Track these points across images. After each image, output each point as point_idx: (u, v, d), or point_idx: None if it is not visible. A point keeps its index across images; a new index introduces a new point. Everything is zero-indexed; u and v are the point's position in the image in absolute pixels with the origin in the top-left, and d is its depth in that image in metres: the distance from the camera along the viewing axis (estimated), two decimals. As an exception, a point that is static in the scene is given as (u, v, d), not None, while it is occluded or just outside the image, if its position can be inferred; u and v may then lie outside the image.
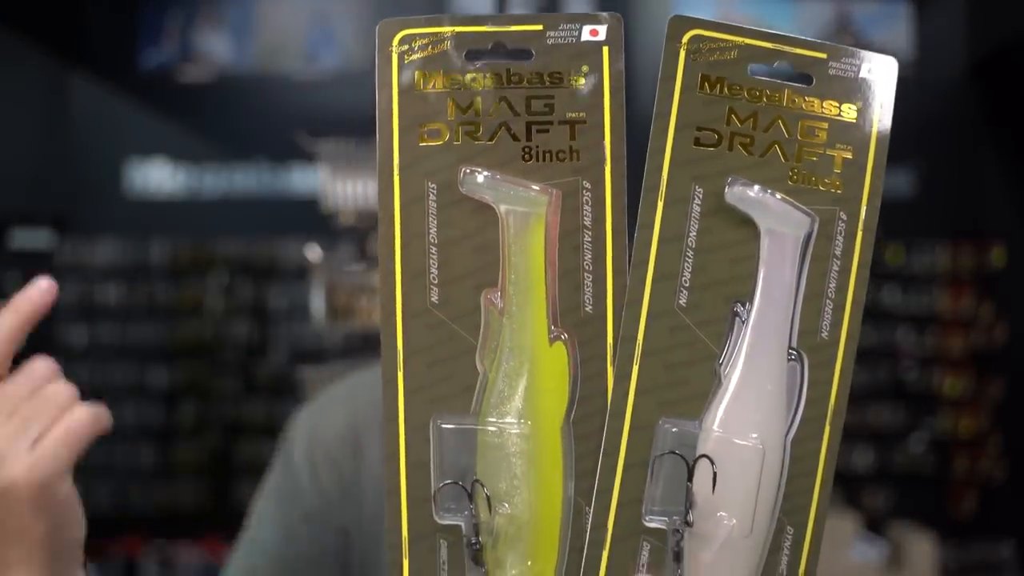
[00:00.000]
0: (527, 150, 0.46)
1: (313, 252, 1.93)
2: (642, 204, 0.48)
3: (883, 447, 5.16)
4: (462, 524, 0.45)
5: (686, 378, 0.45)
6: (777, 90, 0.48)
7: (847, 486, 5.14)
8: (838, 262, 0.47)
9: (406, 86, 0.45)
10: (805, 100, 0.48)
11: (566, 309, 0.45)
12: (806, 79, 0.48)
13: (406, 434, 0.45)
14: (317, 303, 1.86)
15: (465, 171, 0.45)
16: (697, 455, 0.45)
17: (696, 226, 0.47)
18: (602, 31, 0.46)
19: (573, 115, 0.46)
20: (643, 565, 0.45)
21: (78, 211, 5.47)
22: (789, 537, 0.46)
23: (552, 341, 0.44)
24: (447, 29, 0.45)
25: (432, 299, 0.45)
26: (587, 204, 0.47)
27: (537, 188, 0.46)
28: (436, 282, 0.45)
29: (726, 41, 0.47)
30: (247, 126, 5.49)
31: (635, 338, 0.45)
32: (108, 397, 4.46)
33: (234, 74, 5.58)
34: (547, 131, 0.46)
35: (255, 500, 1.04)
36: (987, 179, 5.36)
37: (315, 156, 1.85)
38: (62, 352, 5.29)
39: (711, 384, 0.46)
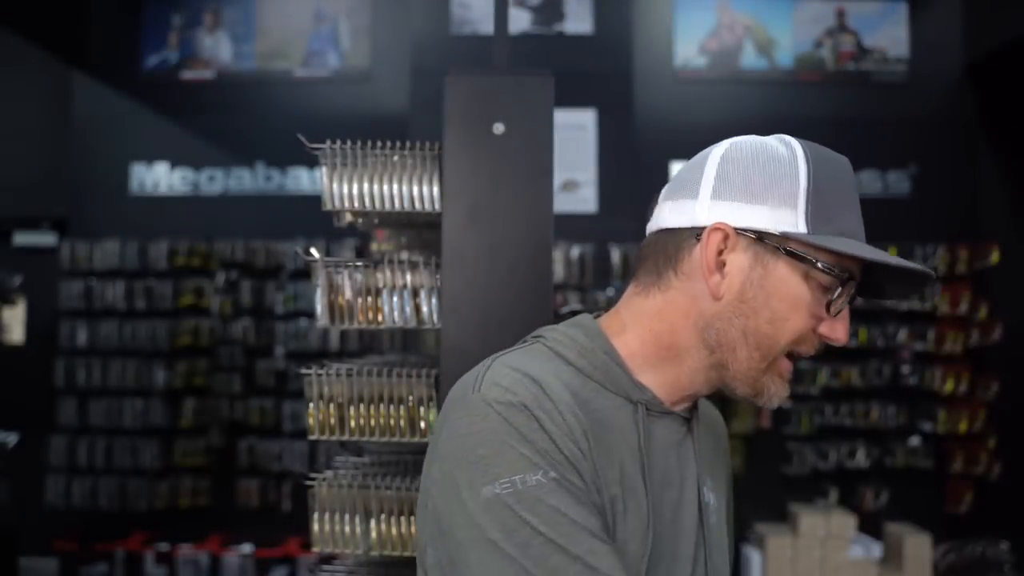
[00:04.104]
0: None
1: (313, 252, 1.94)
2: None
3: (881, 446, 5.18)
4: None
5: None
6: None
7: (845, 485, 5.16)
8: None
9: None
10: None
11: None
12: None
13: None
14: (317, 303, 1.88)
15: None
16: None
17: None
18: None
19: None
20: None
21: (80, 212, 5.49)
22: None
23: None
24: None
25: None
26: None
27: None
28: None
29: None
30: (248, 126, 5.52)
31: None
32: (109, 397, 4.50)
33: (235, 75, 5.61)
34: None
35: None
36: (983, 181, 5.38)
37: (315, 156, 1.87)
38: (63, 352, 5.32)
39: None
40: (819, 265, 0.87)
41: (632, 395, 0.92)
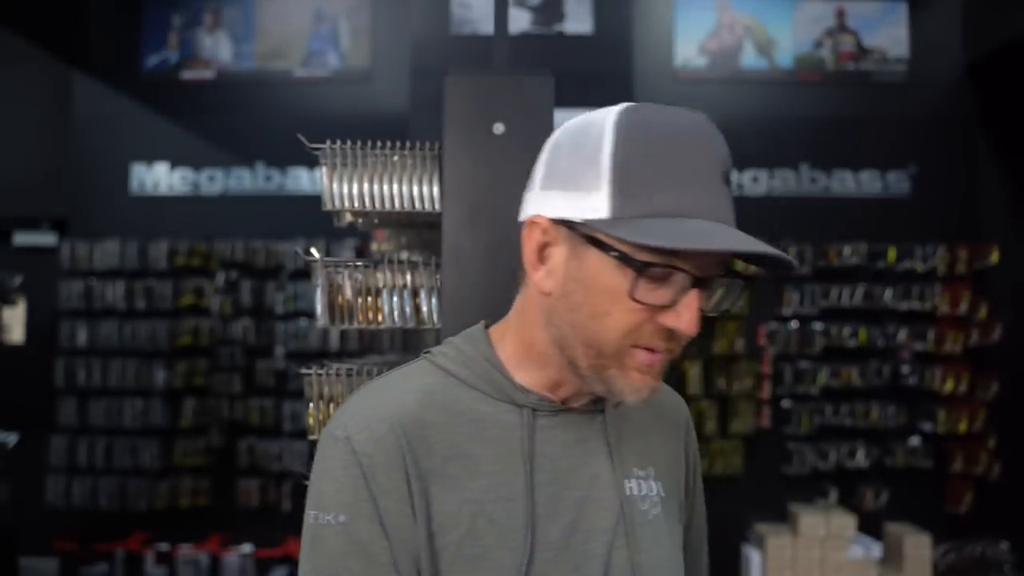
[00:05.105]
0: None
1: (313, 252, 1.94)
2: None
3: (881, 446, 5.18)
4: None
5: None
6: None
7: (845, 485, 5.16)
8: None
9: None
10: None
11: None
12: None
13: None
14: (317, 303, 1.87)
15: None
16: None
17: None
18: None
19: None
20: None
21: (80, 212, 5.49)
22: None
23: None
24: None
25: None
26: None
27: None
28: None
29: None
30: (248, 126, 5.52)
31: None
32: (109, 397, 4.50)
33: (235, 75, 5.61)
34: None
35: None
36: (983, 181, 5.38)
37: (315, 156, 1.87)
38: (63, 352, 5.32)
39: None
40: (613, 254, 0.78)
41: (517, 399, 0.90)
